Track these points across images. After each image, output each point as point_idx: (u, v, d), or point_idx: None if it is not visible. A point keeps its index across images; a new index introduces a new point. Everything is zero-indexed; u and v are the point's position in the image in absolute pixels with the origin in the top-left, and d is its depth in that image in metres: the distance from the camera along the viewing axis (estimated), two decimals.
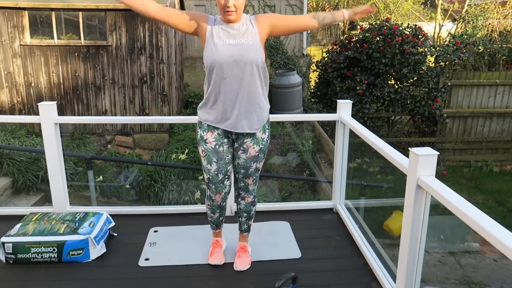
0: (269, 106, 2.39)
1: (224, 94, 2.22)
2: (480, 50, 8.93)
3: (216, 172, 2.34)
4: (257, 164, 2.39)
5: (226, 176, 2.38)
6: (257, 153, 2.35)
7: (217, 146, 2.31)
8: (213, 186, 2.37)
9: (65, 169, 3.16)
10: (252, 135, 2.32)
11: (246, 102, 2.24)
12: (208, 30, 2.21)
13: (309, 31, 12.95)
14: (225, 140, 2.33)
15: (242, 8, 2.16)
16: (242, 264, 2.53)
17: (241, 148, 2.33)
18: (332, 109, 8.48)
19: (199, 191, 5.51)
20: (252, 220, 2.61)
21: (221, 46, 2.17)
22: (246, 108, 2.24)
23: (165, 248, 2.74)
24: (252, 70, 2.20)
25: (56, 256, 2.54)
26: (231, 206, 3.13)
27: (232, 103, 2.23)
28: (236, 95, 2.22)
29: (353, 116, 3.03)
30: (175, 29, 2.22)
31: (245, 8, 10.95)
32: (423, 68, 8.28)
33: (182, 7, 9.25)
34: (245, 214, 2.56)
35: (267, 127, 2.37)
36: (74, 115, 7.31)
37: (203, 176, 2.43)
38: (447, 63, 8.32)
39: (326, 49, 10.88)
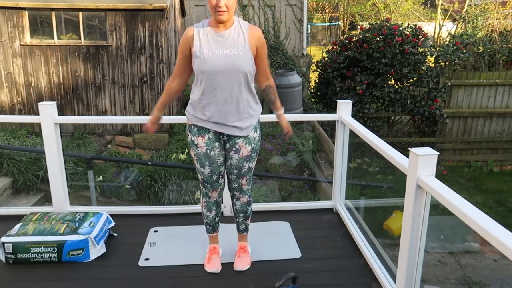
0: (260, 109, 2.39)
1: (215, 104, 2.21)
2: (480, 50, 8.93)
3: (210, 174, 2.35)
4: (250, 163, 2.38)
5: (220, 176, 2.40)
6: (250, 153, 2.34)
7: (208, 151, 2.30)
8: (209, 185, 2.40)
9: (65, 169, 3.16)
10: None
11: (236, 111, 2.24)
12: (195, 46, 2.18)
13: (308, 31, 12.96)
14: (216, 144, 2.31)
15: (233, 9, 2.14)
16: (242, 264, 2.53)
17: (233, 149, 2.32)
18: (332, 109, 8.48)
19: (199, 191, 5.50)
20: (249, 219, 2.60)
21: (212, 57, 2.14)
22: (237, 117, 2.25)
23: (165, 248, 2.74)
24: (241, 80, 2.19)
25: (56, 256, 2.54)
26: (230, 206, 3.12)
27: (222, 112, 2.23)
28: (227, 105, 2.21)
29: (353, 116, 3.03)
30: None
31: (245, 8, 10.92)
32: (423, 68, 8.29)
33: (182, 7, 9.25)
34: (241, 215, 2.55)
35: (258, 126, 2.38)
36: (74, 115, 7.31)
37: (198, 176, 2.44)
38: (447, 63, 8.32)
39: (326, 49, 10.89)
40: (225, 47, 2.15)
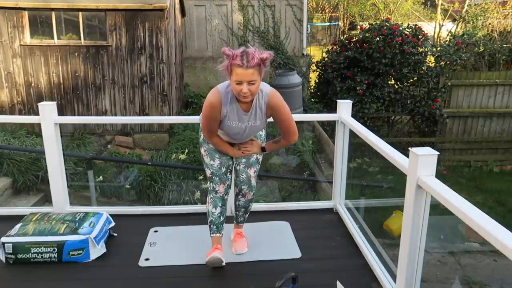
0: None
1: (228, 141, 2.50)
2: (481, 50, 8.92)
3: (219, 166, 2.47)
4: (258, 155, 2.55)
5: (229, 170, 2.52)
6: None
7: None
8: (217, 178, 2.48)
9: (65, 169, 3.16)
10: None
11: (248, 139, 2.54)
12: (223, 113, 2.32)
13: (308, 31, 12.95)
14: (227, 142, 2.52)
15: (256, 91, 2.24)
16: (240, 247, 2.63)
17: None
18: (332, 109, 8.47)
19: (199, 191, 5.51)
20: (248, 214, 2.73)
21: (234, 127, 2.36)
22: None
23: (165, 248, 2.74)
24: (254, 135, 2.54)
25: (56, 256, 2.54)
26: (231, 206, 3.12)
27: (235, 143, 2.52)
28: (239, 142, 2.51)
29: (353, 116, 3.02)
30: None
31: (245, 8, 10.86)
32: (423, 68, 8.29)
33: (182, 7, 9.24)
34: (243, 209, 2.67)
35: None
36: (74, 115, 7.31)
37: (205, 173, 2.54)
38: (448, 63, 8.32)
39: (326, 49, 10.90)
40: (244, 122, 2.36)
